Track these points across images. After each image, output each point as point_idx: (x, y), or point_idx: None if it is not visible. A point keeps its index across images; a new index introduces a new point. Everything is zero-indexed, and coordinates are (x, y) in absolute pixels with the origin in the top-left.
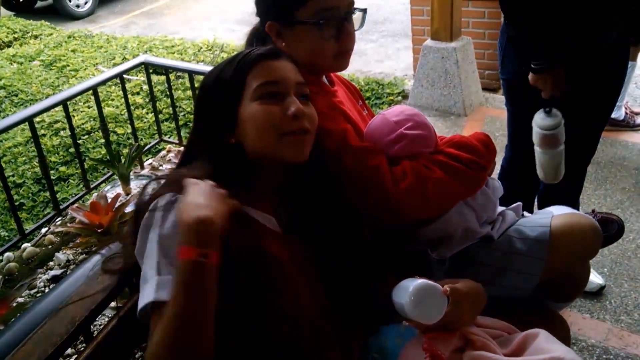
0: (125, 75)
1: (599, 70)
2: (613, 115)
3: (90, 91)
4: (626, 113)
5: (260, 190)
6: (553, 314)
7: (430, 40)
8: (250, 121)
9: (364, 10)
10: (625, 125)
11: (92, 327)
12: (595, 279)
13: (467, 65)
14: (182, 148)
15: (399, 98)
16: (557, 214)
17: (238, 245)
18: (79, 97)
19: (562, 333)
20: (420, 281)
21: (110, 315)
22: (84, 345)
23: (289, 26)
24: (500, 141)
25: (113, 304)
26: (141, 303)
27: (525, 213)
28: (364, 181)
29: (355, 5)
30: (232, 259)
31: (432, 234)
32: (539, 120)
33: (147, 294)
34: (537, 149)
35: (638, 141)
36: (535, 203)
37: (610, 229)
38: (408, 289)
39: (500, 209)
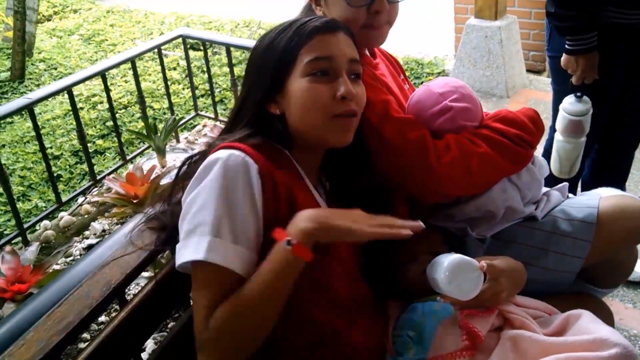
0: (162, 51)
1: None
2: None
3: (128, 65)
4: None
5: (303, 163)
6: (595, 299)
7: (474, 18)
8: (297, 97)
9: None
10: None
11: (126, 295)
12: None
13: (511, 45)
14: (218, 123)
15: None
16: (606, 195)
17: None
18: (116, 71)
19: (606, 320)
20: (456, 256)
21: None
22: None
23: None
24: (545, 125)
25: (147, 273)
26: (187, 256)
27: (570, 195)
28: (406, 154)
29: None
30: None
31: (474, 212)
32: (568, 105)
33: (194, 250)
34: (558, 136)
35: None
36: (579, 188)
37: None
38: (443, 264)
39: (545, 189)
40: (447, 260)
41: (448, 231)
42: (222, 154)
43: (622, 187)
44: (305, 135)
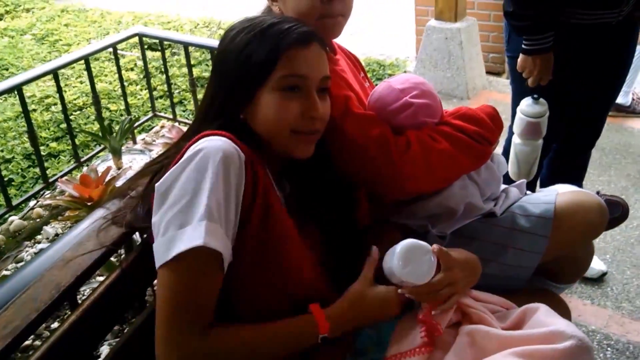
0: (119, 51)
1: (600, 50)
2: (620, 101)
3: (84, 66)
4: (633, 99)
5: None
6: (553, 295)
7: (434, 20)
8: (266, 109)
9: None
10: (632, 111)
11: (79, 299)
12: (597, 265)
13: (471, 47)
14: (176, 123)
15: None
16: (562, 191)
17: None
18: (71, 72)
19: (563, 316)
20: (407, 240)
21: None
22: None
23: None
24: (504, 125)
25: (101, 277)
26: (181, 247)
27: (529, 192)
28: (367, 150)
29: None
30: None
31: (434, 209)
32: (525, 107)
33: (190, 236)
34: (516, 139)
35: None
36: (537, 187)
37: (614, 212)
38: (395, 250)
39: (503, 186)
40: (399, 246)
41: (409, 228)
42: (211, 141)
43: (579, 185)
44: (269, 144)
